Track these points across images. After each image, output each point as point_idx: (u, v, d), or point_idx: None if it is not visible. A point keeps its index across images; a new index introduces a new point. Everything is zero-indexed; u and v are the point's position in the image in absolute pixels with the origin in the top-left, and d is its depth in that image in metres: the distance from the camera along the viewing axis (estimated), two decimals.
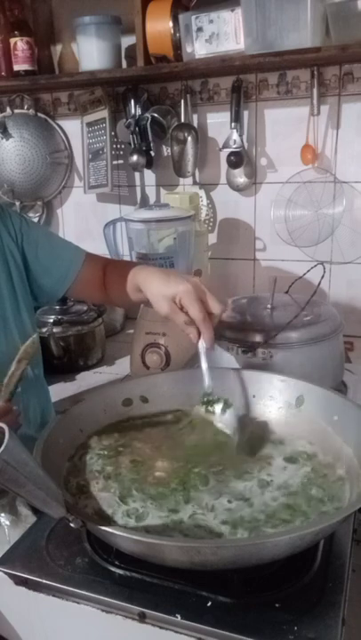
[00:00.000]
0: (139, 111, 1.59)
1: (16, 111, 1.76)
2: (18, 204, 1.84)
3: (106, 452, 0.85)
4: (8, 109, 1.76)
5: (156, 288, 0.94)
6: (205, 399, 0.91)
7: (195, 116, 1.59)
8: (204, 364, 0.90)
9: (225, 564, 0.64)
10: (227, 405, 0.90)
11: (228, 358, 1.09)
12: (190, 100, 1.57)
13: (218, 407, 0.89)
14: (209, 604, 0.66)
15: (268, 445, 0.87)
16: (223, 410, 0.90)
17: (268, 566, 0.68)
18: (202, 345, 0.89)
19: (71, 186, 1.84)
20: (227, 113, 1.51)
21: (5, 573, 0.72)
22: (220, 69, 1.45)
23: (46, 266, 1.09)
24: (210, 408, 0.90)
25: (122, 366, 1.44)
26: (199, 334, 0.88)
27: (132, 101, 1.59)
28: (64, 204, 1.88)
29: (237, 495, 0.75)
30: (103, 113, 1.65)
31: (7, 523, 0.86)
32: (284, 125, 1.51)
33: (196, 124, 1.59)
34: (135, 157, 1.62)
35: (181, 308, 0.89)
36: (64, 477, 0.79)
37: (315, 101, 1.43)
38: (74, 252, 1.13)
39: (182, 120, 1.57)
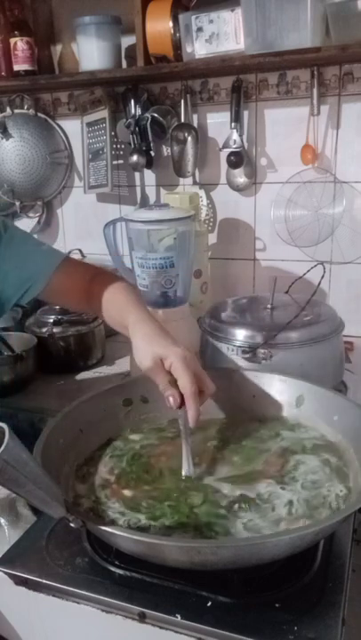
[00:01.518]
0: (139, 111, 1.59)
1: (16, 111, 1.76)
2: (18, 203, 1.84)
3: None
4: (8, 109, 1.76)
5: (147, 340, 0.87)
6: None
7: (195, 116, 1.59)
8: (185, 446, 0.82)
9: (225, 564, 0.64)
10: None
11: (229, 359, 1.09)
12: (190, 100, 1.56)
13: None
14: (209, 604, 0.66)
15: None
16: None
17: (268, 566, 0.68)
18: (183, 419, 0.81)
19: (71, 186, 1.84)
20: (227, 113, 1.51)
21: (5, 573, 0.72)
22: (220, 69, 1.45)
23: (12, 276, 1.01)
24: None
25: (122, 366, 1.44)
26: (181, 403, 0.80)
27: (132, 101, 1.59)
28: (64, 204, 1.88)
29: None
30: (103, 113, 1.65)
31: (7, 523, 0.86)
32: (284, 125, 1.51)
33: (196, 124, 1.59)
34: (135, 157, 1.62)
35: (167, 372, 0.82)
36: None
37: (315, 101, 1.43)
38: (45, 260, 1.03)
39: (182, 120, 1.57)
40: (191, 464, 0.81)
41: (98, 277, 1.06)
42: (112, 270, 1.40)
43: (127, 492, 0.78)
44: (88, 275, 1.07)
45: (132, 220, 1.23)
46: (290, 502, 0.74)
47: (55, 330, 1.40)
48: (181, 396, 0.80)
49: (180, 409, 0.81)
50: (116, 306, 0.99)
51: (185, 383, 0.80)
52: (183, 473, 0.81)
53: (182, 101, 1.56)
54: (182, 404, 0.80)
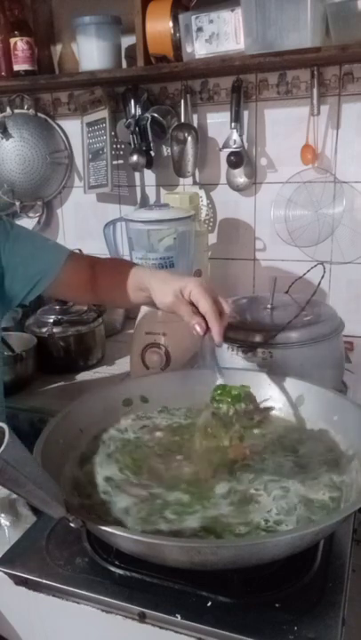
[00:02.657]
0: (139, 111, 1.59)
1: (16, 111, 1.76)
2: (18, 203, 1.84)
3: None
4: (8, 109, 1.76)
5: (163, 280, 0.93)
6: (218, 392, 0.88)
7: (195, 116, 1.59)
8: (212, 360, 0.89)
9: (225, 564, 0.64)
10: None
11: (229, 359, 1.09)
12: (190, 100, 1.56)
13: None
14: (209, 604, 0.66)
15: None
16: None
17: (268, 566, 0.68)
18: (209, 340, 0.87)
19: (71, 186, 1.84)
20: (227, 113, 1.51)
21: (5, 573, 0.72)
22: (220, 69, 1.45)
23: (20, 273, 1.03)
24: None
25: (122, 366, 1.44)
26: (206, 329, 0.86)
27: (132, 101, 1.59)
28: (64, 204, 1.88)
29: None
30: (103, 113, 1.65)
31: (7, 523, 0.86)
32: (284, 125, 1.51)
33: (196, 124, 1.59)
34: (135, 157, 1.62)
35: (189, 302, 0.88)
36: None
37: (315, 101, 1.43)
38: (52, 255, 1.06)
39: (182, 120, 1.57)
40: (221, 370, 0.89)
41: (98, 266, 1.10)
42: None
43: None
44: (89, 265, 1.10)
45: (132, 220, 1.23)
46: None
47: (55, 330, 1.40)
48: (205, 322, 0.85)
49: (205, 335, 0.86)
50: (123, 278, 1.02)
51: (206, 305, 0.85)
52: (218, 382, 0.88)
53: (182, 101, 1.56)
54: (207, 330, 0.85)
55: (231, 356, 1.09)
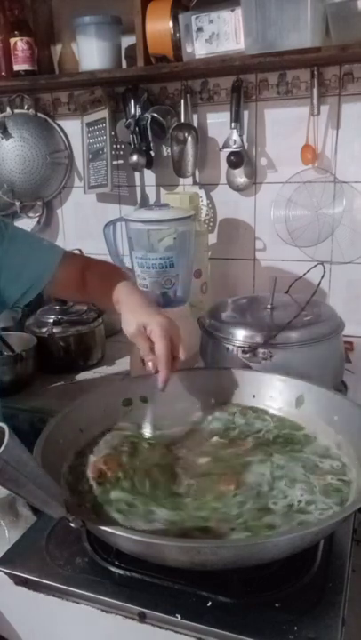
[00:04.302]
0: (139, 111, 1.59)
1: (16, 111, 1.76)
2: (18, 203, 1.84)
3: None
4: (8, 109, 1.76)
5: (132, 310, 0.94)
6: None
7: (195, 116, 1.59)
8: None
9: (225, 564, 0.64)
10: None
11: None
12: (190, 99, 1.56)
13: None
14: (209, 604, 0.66)
15: None
16: None
17: (268, 566, 0.68)
18: (159, 385, 0.88)
19: (71, 186, 1.84)
20: (227, 113, 1.51)
21: (5, 573, 0.72)
22: (220, 69, 1.45)
23: (16, 274, 1.03)
24: None
25: (122, 366, 1.44)
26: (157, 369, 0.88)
27: (132, 101, 1.59)
28: (64, 204, 1.88)
29: None
30: (103, 113, 1.65)
31: (7, 523, 0.86)
32: (284, 125, 1.51)
33: (196, 124, 1.59)
34: (135, 157, 1.62)
35: (149, 338, 0.89)
36: None
37: (315, 101, 1.43)
38: (47, 257, 1.07)
39: (182, 120, 1.57)
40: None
41: (91, 266, 1.11)
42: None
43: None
44: (82, 265, 1.11)
45: (132, 220, 1.23)
46: None
47: (55, 330, 1.40)
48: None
49: (156, 373, 0.88)
50: (108, 287, 1.02)
51: (159, 350, 0.87)
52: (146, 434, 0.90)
53: (182, 101, 1.56)
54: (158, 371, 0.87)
55: (231, 356, 1.09)
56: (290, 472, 0.79)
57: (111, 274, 1.08)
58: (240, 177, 1.57)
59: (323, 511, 0.71)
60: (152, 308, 0.94)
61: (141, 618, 0.66)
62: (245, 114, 1.53)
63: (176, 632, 0.64)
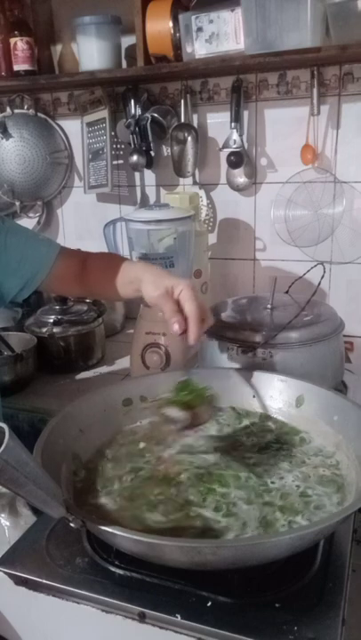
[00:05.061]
0: (139, 111, 1.59)
1: (16, 111, 1.76)
2: (18, 203, 1.84)
3: None
4: (8, 109, 1.76)
5: (157, 274, 0.94)
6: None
7: (195, 116, 1.59)
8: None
9: (225, 564, 0.64)
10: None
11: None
12: (190, 99, 1.56)
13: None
14: (209, 604, 0.66)
15: None
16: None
17: (268, 566, 0.68)
18: (183, 340, 0.88)
19: (71, 186, 1.84)
20: (227, 113, 1.51)
21: (5, 573, 0.72)
22: (220, 69, 1.45)
23: (14, 268, 1.04)
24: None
25: (122, 366, 1.44)
26: (184, 330, 0.87)
27: (132, 101, 1.59)
28: (64, 204, 1.88)
29: None
30: (103, 113, 1.65)
31: (7, 523, 0.86)
32: (284, 125, 1.51)
33: (196, 124, 1.59)
34: (135, 157, 1.62)
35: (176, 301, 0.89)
36: None
37: (315, 101, 1.43)
38: (44, 252, 1.07)
39: (182, 120, 1.57)
40: None
41: (89, 260, 1.10)
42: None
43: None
44: (81, 260, 1.11)
45: (132, 220, 1.23)
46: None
47: (55, 330, 1.40)
48: (185, 323, 0.86)
49: (181, 335, 0.86)
50: (115, 272, 1.02)
51: (191, 307, 0.86)
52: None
53: (182, 101, 1.56)
54: (185, 331, 0.86)
55: (231, 356, 1.09)
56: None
57: (111, 260, 1.08)
58: (240, 177, 1.57)
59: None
60: (175, 275, 0.94)
61: (141, 618, 0.66)
62: (245, 114, 1.53)
63: (176, 632, 0.64)
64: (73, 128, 1.77)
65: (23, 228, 1.11)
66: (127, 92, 1.61)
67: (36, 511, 0.84)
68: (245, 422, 0.95)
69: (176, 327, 0.86)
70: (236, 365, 1.06)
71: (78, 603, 0.69)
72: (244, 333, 1.09)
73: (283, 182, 1.52)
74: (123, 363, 1.45)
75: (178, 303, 0.88)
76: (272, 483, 0.79)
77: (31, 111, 1.75)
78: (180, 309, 0.87)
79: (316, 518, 0.71)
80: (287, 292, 1.26)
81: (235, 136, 1.51)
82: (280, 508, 0.73)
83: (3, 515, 0.87)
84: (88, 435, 0.89)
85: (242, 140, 1.51)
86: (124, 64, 1.60)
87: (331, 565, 0.71)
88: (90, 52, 1.54)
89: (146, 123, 1.57)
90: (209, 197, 1.64)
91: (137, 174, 1.73)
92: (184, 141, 1.58)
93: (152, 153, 1.64)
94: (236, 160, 1.53)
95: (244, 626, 0.62)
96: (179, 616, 0.64)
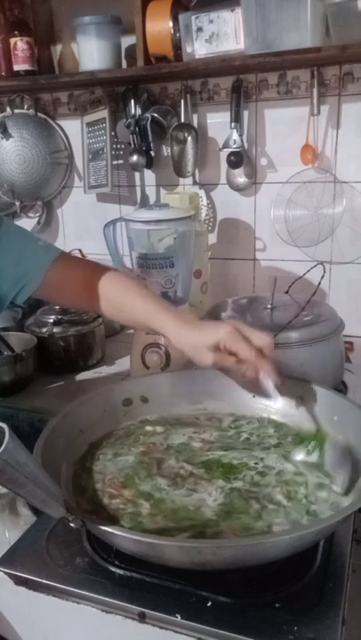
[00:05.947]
0: (139, 111, 1.59)
1: (16, 111, 1.76)
2: (18, 203, 1.84)
3: None
4: (8, 109, 1.75)
5: (193, 340, 0.86)
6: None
7: (195, 116, 1.59)
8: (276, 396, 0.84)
9: (225, 564, 0.64)
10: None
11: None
12: (190, 99, 1.56)
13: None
14: (209, 604, 0.66)
15: None
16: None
17: (268, 566, 0.68)
18: (267, 381, 0.83)
19: (71, 186, 1.84)
20: (227, 113, 1.51)
21: (5, 573, 0.72)
22: (220, 69, 1.45)
23: (9, 272, 0.99)
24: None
25: (122, 366, 1.44)
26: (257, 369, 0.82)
27: (132, 101, 1.59)
28: (64, 204, 1.88)
29: None
30: (103, 113, 1.65)
31: (7, 523, 0.86)
32: (284, 125, 1.51)
33: (196, 124, 1.59)
34: (135, 157, 1.62)
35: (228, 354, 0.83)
36: None
37: (315, 101, 1.43)
38: (39, 258, 1.01)
39: (182, 120, 1.57)
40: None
41: (97, 272, 1.02)
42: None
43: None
44: (87, 270, 1.04)
45: (132, 220, 1.23)
46: None
47: (55, 330, 1.40)
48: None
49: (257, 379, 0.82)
50: (135, 309, 0.97)
51: (244, 354, 0.81)
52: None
53: (182, 101, 1.56)
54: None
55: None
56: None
57: (129, 286, 1.00)
58: (240, 177, 1.57)
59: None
60: (207, 327, 0.87)
61: (141, 618, 0.66)
62: (245, 114, 1.53)
63: (176, 632, 0.65)
64: (73, 128, 1.77)
65: (21, 233, 1.06)
66: (127, 92, 1.61)
67: (36, 511, 0.84)
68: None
69: (250, 375, 0.82)
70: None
71: (78, 603, 0.69)
72: None
73: (283, 182, 1.52)
74: (123, 363, 1.45)
75: (231, 353, 0.82)
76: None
77: (31, 111, 1.75)
78: (238, 358, 0.81)
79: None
80: (287, 292, 1.26)
81: (235, 136, 1.51)
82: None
83: (3, 515, 0.87)
84: (88, 435, 0.89)
85: (242, 140, 1.51)
86: (124, 64, 1.60)
87: (331, 565, 0.71)
88: (90, 52, 1.54)
89: (146, 123, 1.57)
90: (209, 197, 1.64)
91: (137, 174, 1.73)
92: (184, 141, 1.58)
93: (152, 153, 1.64)
94: (236, 160, 1.53)
95: (244, 626, 0.62)
96: (179, 616, 0.64)
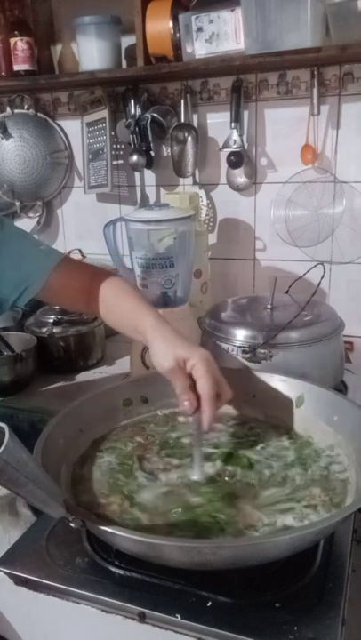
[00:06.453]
0: (139, 111, 1.59)
1: (16, 111, 1.76)
2: (18, 203, 1.84)
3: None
4: (8, 109, 1.75)
5: (168, 342, 0.85)
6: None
7: (195, 116, 1.59)
8: (196, 451, 0.83)
9: (225, 564, 0.64)
10: None
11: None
12: (190, 99, 1.56)
13: None
14: (209, 604, 0.66)
15: None
16: None
17: (268, 566, 0.68)
18: (195, 423, 0.81)
19: (71, 186, 1.84)
20: (227, 113, 1.51)
21: (5, 573, 0.72)
22: (220, 69, 1.45)
23: (9, 276, 0.99)
24: None
25: (122, 366, 1.44)
26: (196, 408, 0.79)
27: (132, 101, 1.59)
28: (64, 204, 1.88)
29: None
30: (103, 113, 1.65)
31: (7, 523, 0.86)
32: (284, 125, 1.51)
33: (196, 124, 1.59)
34: (135, 157, 1.62)
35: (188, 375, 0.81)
36: None
37: (315, 101, 1.43)
38: (41, 261, 1.00)
39: (182, 120, 1.57)
40: (202, 468, 0.81)
41: (98, 278, 1.03)
42: (112, 270, 1.39)
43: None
44: (88, 275, 1.04)
45: (132, 220, 1.23)
46: None
47: (55, 330, 1.40)
48: (197, 400, 0.79)
49: (193, 414, 0.79)
50: (124, 309, 0.97)
51: (205, 385, 0.78)
52: (193, 478, 0.80)
53: (182, 101, 1.56)
54: (197, 409, 0.78)
55: (231, 356, 1.09)
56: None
57: (126, 293, 0.99)
58: (240, 177, 1.57)
59: None
60: (188, 341, 0.85)
61: (141, 618, 0.66)
62: (245, 114, 1.53)
63: (176, 632, 0.65)
64: (73, 128, 1.77)
65: (23, 236, 1.05)
66: (127, 92, 1.61)
67: (36, 511, 0.84)
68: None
69: (186, 406, 0.78)
70: (237, 365, 1.06)
71: (78, 603, 0.69)
72: (244, 333, 1.09)
73: (283, 182, 1.52)
74: (123, 363, 1.45)
75: (190, 377, 0.80)
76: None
77: (31, 111, 1.75)
78: (192, 385, 0.79)
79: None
80: (287, 292, 1.26)
81: (235, 136, 1.51)
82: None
83: (3, 515, 0.87)
84: (88, 435, 0.89)
85: (242, 140, 1.51)
86: (124, 64, 1.60)
87: (331, 565, 0.71)
88: (90, 52, 1.54)
89: (146, 123, 1.57)
90: (209, 197, 1.64)
91: (137, 174, 1.73)
92: (184, 141, 1.58)
93: (152, 153, 1.64)
94: (236, 160, 1.53)
95: (244, 626, 0.63)
96: (179, 616, 0.64)
